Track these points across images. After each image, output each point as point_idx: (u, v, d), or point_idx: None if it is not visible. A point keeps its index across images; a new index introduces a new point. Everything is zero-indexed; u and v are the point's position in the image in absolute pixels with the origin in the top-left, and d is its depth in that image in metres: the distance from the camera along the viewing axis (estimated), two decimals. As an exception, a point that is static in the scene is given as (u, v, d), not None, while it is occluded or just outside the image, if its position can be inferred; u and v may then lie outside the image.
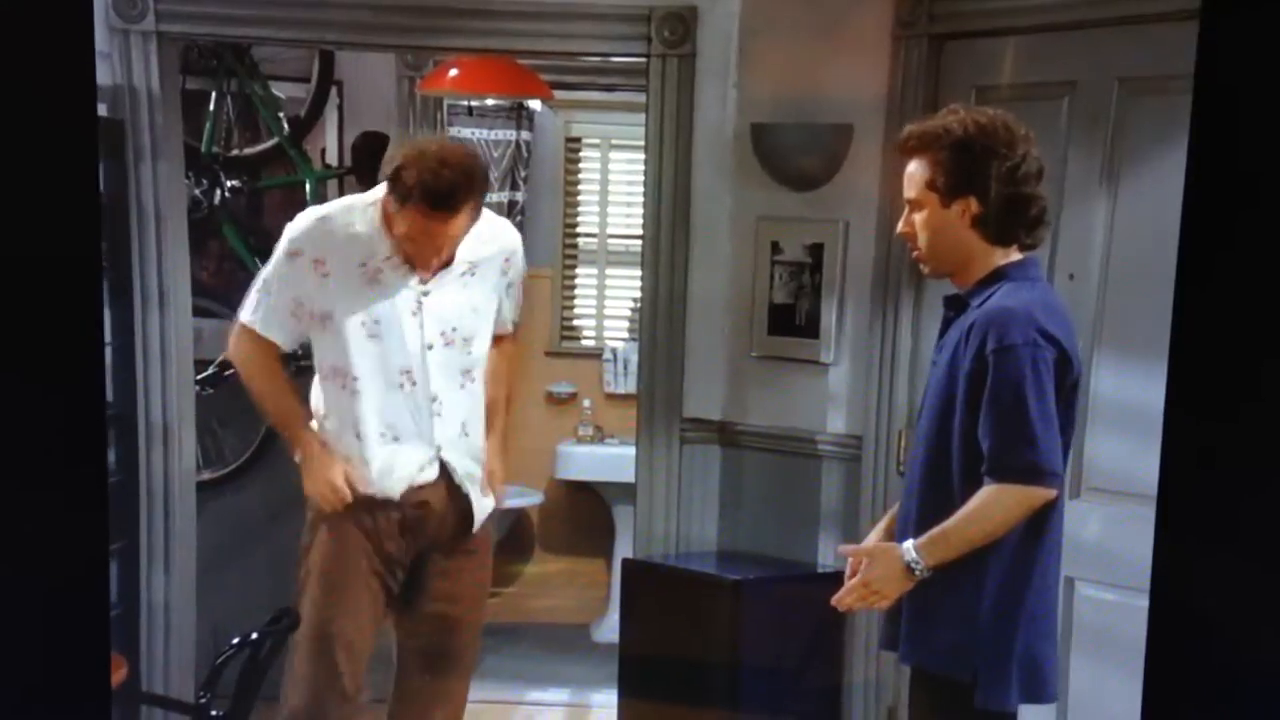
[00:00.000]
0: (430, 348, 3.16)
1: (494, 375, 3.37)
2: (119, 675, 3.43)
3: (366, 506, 3.20)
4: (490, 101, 5.57)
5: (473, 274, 3.22)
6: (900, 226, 2.63)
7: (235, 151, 4.67)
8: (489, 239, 3.28)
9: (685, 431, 3.91)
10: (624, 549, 4.80)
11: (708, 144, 3.82)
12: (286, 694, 3.27)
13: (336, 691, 3.22)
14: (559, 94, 5.24)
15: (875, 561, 2.55)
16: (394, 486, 3.18)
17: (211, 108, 4.59)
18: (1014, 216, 2.51)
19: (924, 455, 2.57)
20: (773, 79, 3.77)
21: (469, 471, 3.26)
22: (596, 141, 6.04)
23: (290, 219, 3.27)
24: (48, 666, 1.10)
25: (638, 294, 4.13)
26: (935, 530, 2.48)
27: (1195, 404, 1.19)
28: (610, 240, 6.07)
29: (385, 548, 3.22)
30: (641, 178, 3.92)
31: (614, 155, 6.01)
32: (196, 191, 4.47)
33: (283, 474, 4.61)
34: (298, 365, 3.61)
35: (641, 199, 3.92)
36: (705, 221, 3.85)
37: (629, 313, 5.96)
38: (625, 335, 6.02)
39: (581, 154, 6.07)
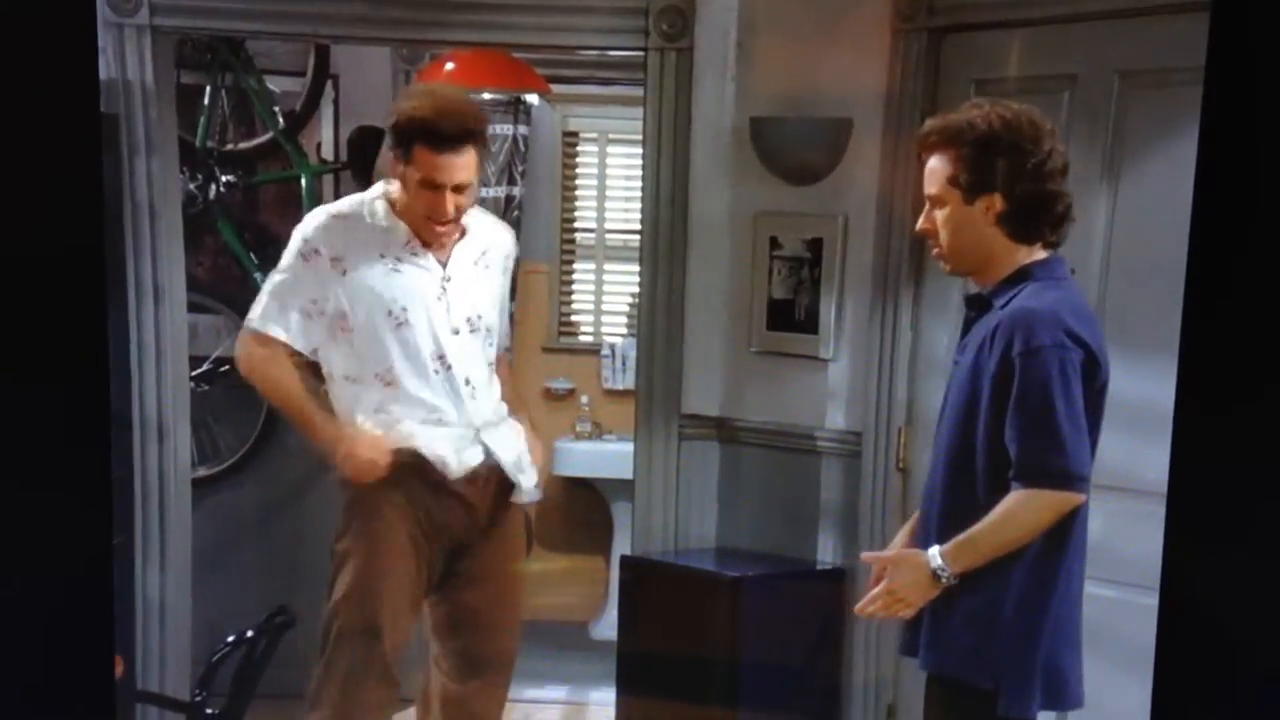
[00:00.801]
0: (457, 332, 3.19)
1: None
2: (115, 673, 3.41)
3: (411, 483, 3.15)
4: (487, 95, 5.54)
5: (485, 263, 3.29)
6: (921, 223, 2.58)
7: (230, 146, 4.66)
8: (494, 234, 3.36)
9: (684, 428, 3.89)
10: (623, 546, 4.80)
11: (706, 138, 3.80)
12: (322, 692, 3.14)
13: (385, 680, 3.15)
14: (556, 88, 5.22)
15: (900, 568, 2.51)
16: (451, 461, 3.16)
17: (206, 102, 4.58)
18: (1039, 214, 2.47)
19: (946, 458, 2.53)
20: (771, 73, 3.76)
21: (509, 454, 3.27)
22: (594, 136, 6.02)
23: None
24: (52, 666, 1.09)
25: (636, 289, 4.11)
26: (962, 536, 2.44)
27: (1206, 400, 1.17)
28: (608, 235, 6.05)
29: (432, 524, 3.18)
30: (639, 172, 3.91)
31: (612, 150, 5.99)
32: (191, 186, 4.46)
33: (278, 471, 4.62)
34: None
35: (639, 194, 3.91)
36: (704, 216, 3.83)
37: (627, 308, 5.95)
38: (623, 331, 6.00)
39: (579, 148, 6.05)
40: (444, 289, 3.18)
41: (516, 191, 5.76)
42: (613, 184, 6.03)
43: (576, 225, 6.08)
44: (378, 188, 3.23)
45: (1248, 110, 1.13)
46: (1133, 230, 3.14)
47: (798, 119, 3.69)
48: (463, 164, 3.08)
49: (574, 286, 6.09)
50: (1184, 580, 1.20)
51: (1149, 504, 2.89)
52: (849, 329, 3.72)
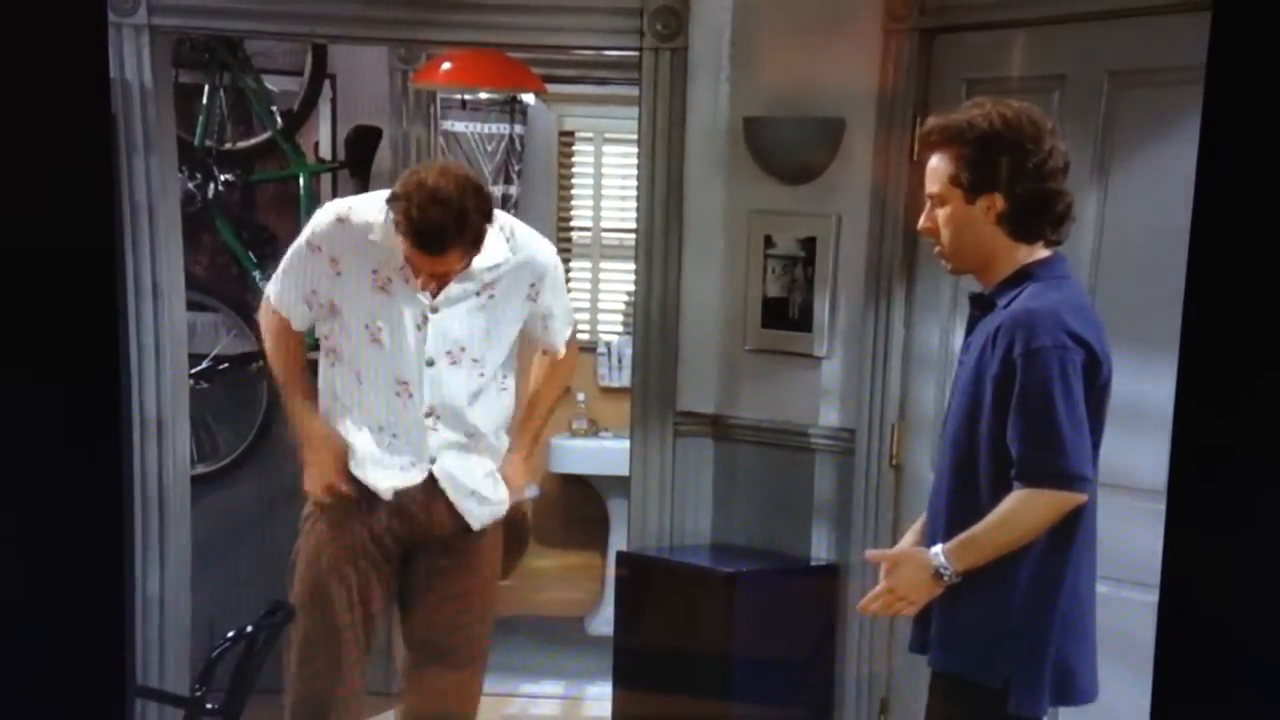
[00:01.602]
0: (431, 364, 3.13)
1: (536, 376, 3.43)
2: (127, 666, 3.43)
3: (360, 500, 3.20)
4: (483, 95, 5.57)
5: (491, 296, 3.16)
6: (922, 222, 2.58)
7: (228, 145, 4.67)
8: (528, 255, 3.20)
9: (679, 425, 3.92)
10: (618, 542, 4.81)
11: (700, 138, 3.83)
12: (287, 689, 3.27)
13: (335, 683, 3.22)
14: (552, 88, 5.24)
15: (902, 567, 2.51)
16: (383, 483, 3.18)
17: (204, 101, 4.59)
18: (1040, 213, 2.47)
19: (951, 457, 2.53)
20: (765, 73, 3.78)
21: (466, 485, 3.23)
22: (590, 135, 6.04)
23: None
24: (62, 662, 1.10)
25: (631, 288, 4.13)
26: (964, 535, 2.45)
27: (1205, 399, 1.18)
28: (604, 234, 6.07)
29: (376, 541, 3.22)
30: (635, 171, 3.93)
31: (607, 149, 6.01)
32: (190, 185, 4.48)
33: (277, 468, 4.63)
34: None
35: (635, 193, 3.93)
36: (698, 215, 3.86)
37: (623, 306, 5.97)
38: (619, 329, 6.02)
39: (575, 148, 6.07)
40: (425, 319, 3.11)
41: (513, 190, 5.78)
42: (608, 183, 6.06)
43: (572, 224, 6.10)
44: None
45: (1248, 110, 1.14)
46: (1122, 229, 3.16)
47: (791, 119, 3.72)
48: (445, 261, 2.99)
49: (570, 285, 6.10)
50: (1184, 576, 1.21)
51: (1143, 501, 2.92)
52: (842, 327, 3.74)
